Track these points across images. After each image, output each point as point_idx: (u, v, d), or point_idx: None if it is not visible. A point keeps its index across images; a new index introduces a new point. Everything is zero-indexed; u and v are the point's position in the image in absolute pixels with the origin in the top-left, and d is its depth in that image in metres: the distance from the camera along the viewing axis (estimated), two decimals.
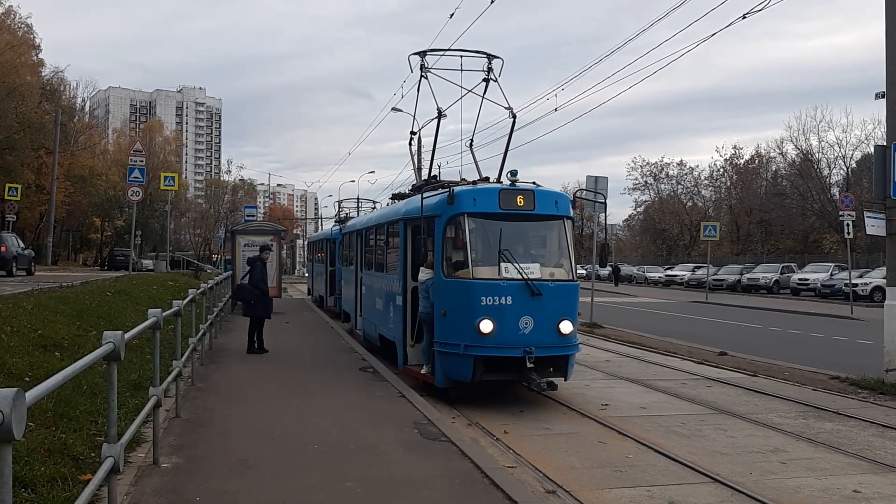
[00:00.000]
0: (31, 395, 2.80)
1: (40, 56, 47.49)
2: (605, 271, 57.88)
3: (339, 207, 29.32)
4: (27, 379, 7.43)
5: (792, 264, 45.65)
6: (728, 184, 69.75)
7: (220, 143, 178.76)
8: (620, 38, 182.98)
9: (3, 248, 25.68)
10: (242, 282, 14.95)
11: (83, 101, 64.58)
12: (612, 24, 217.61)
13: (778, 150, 61.35)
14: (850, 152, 54.41)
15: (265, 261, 14.18)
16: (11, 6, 44.00)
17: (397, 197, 14.98)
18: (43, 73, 48.08)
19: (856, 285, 30.72)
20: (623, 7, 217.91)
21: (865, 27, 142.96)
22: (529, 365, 9.30)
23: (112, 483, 4.47)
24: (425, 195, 10.37)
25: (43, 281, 20.90)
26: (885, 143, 11.82)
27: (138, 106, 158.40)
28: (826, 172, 56.08)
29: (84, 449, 6.02)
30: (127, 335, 4.49)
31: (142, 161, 28.57)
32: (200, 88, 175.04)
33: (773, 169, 65.82)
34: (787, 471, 6.99)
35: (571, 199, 10.94)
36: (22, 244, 29.42)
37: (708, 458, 7.32)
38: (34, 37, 46.02)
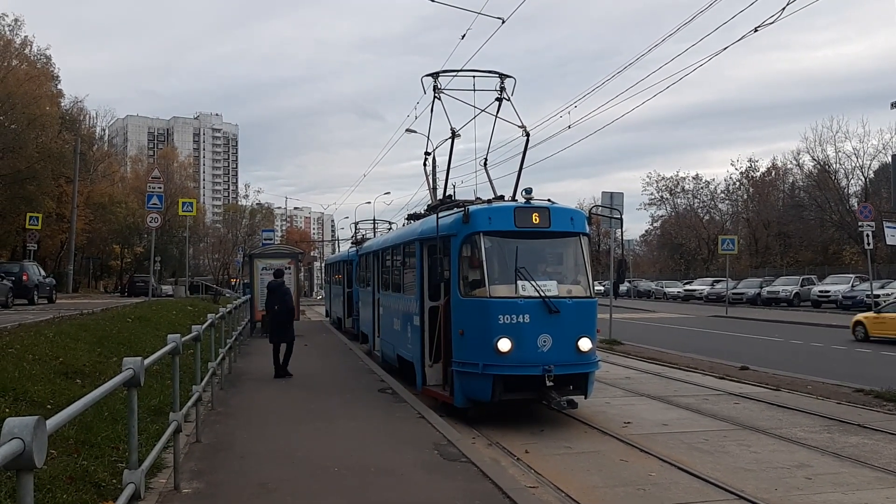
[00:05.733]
0: (52, 422, 2.82)
1: (59, 87, 48.18)
2: (624, 288, 57.55)
3: (356, 229, 29.47)
4: (49, 406, 7.47)
5: (812, 276, 45.17)
6: (745, 197, 69.32)
7: (237, 168, 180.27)
8: (627, 55, 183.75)
9: (24, 277, 25.96)
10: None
11: (102, 130, 65.49)
12: (619, 41, 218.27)
13: (795, 162, 61.00)
14: (868, 162, 53.90)
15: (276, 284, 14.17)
16: (27, 36, 44.63)
17: (413, 217, 15.03)
18: (62, 104, 48.77)
19: (878, 296, 30.31)
20: (628, 25, 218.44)
21: (875, 36, 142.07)
22: (549, 383, 9.25)
23: None
24: (441, 215, 10.38)
25: (64, 308, 21.08)
26: None
27: (156, 133, 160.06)
28: (844, 183, 55.60)
29: (106, 475, 6.04)
30: (147, 361, 4.52)
31: (160, 188, 28.89)
32: (217, 115, 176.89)
33: (791, 181, 65.40)
34: (813, 486, 6.89)
35: (587, 215, 10.91)
36: (43, 272, 29.74)
37: (732, 475, 7.24)
38: (53, 68, 46.70)
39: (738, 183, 69.01)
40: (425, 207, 14.93)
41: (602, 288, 35.64)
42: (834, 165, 55.37)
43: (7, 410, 6.84)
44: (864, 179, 54.50)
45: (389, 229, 25.88)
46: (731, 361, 16.49)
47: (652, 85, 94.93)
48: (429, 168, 19.77)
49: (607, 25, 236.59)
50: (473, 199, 11.73)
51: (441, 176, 33.75)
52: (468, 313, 9.80)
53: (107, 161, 61.09)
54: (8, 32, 42.82)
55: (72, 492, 5.45)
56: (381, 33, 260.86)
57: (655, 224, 79.05)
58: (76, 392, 8.13)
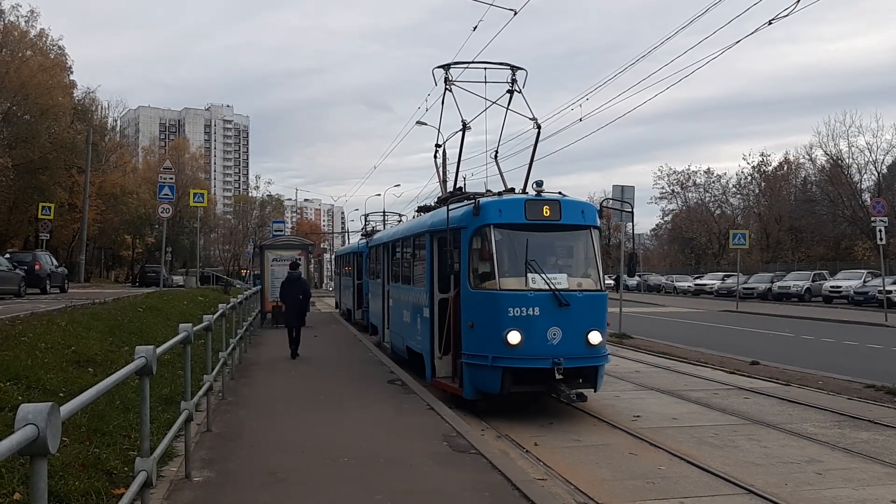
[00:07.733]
0: (66, 409, 2.84)
1: (72, 77, 48.35)
2: (633, 281, 57.46)
3: (366, 221, 29.50)
4: (61, 395, 7.53)
5: (823, 272, 44.88)
6: (756, 191, 68.90)
7: (247, 159, 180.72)
8: (636, 47, 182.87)
9: (37, 267, 26.11)
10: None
11: (114, 120, 65.73)
12: (628, 32, 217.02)
13: (807, 156, 60.57)
14: (882, 157, 53.43)
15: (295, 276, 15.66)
16: (44, 28, 44.89)
17: (423, 209, 15.02)
18: (75, 94, 48.93)
19: (890, 292, 30.11)
20: (638, 16, 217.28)
21: (888, 29, 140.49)
22: (558, 376, 9.23)
23: (145, 497, 4.52)
24: (451, 207, 10.37)
25: (76, 298, 21.21)
26: None
27: (167, 124, 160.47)
28: (857, 178, 55.15)
29: (117, 463, 6.09)
30: (158, 350, 4.54)
31: (171, 178, 29.00)
32: (228, 106, 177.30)
33: (803, 175, 64.95)
34: (824, 482, 6.87)
35: (598, 208, 10.87)
36: (55, 262, 29.90)
37: (742, 469, 7.22)
38: (66, 58, 46.85)
39: (749, 177, 68.61)
40: (435, 200, 14.93)
41: (612, 281, 35.60)
42: (847, 160, 54.93)
43: (20, 398, 6.90)
44: (877, 174, 54.07)
45: (399, 221, 25.87)
46: (742, 356, 16.42)
47: (664, 78, 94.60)
48: (439, 160, 19.76)
49: (616, 18, 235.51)
50: (484, 191, 11.71)
51: (451, 168, 33.67)
52: (478, 306, 9.80)
53: (119, 151, 61.25)
54: (23, 24, 43.09)
55: (84, 479, 5.50)
56: (390, 24, 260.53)
57: (666, 218, 78.79)
58: (88, 380, 8.19)
